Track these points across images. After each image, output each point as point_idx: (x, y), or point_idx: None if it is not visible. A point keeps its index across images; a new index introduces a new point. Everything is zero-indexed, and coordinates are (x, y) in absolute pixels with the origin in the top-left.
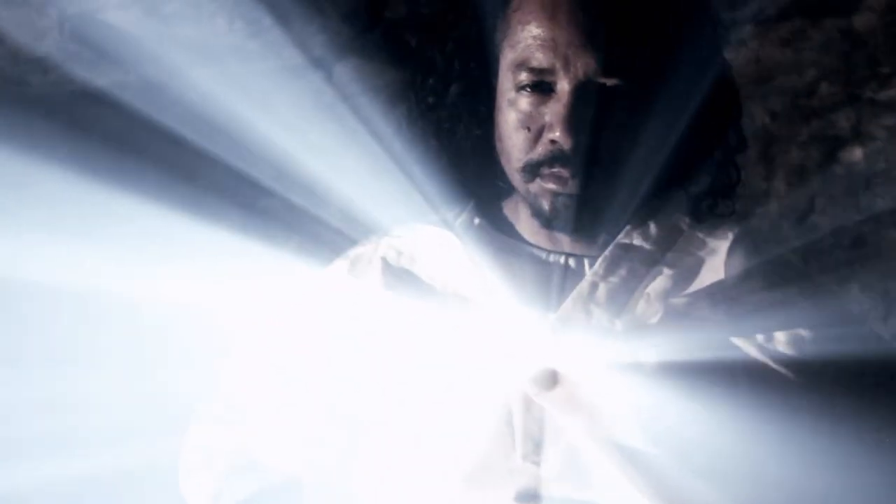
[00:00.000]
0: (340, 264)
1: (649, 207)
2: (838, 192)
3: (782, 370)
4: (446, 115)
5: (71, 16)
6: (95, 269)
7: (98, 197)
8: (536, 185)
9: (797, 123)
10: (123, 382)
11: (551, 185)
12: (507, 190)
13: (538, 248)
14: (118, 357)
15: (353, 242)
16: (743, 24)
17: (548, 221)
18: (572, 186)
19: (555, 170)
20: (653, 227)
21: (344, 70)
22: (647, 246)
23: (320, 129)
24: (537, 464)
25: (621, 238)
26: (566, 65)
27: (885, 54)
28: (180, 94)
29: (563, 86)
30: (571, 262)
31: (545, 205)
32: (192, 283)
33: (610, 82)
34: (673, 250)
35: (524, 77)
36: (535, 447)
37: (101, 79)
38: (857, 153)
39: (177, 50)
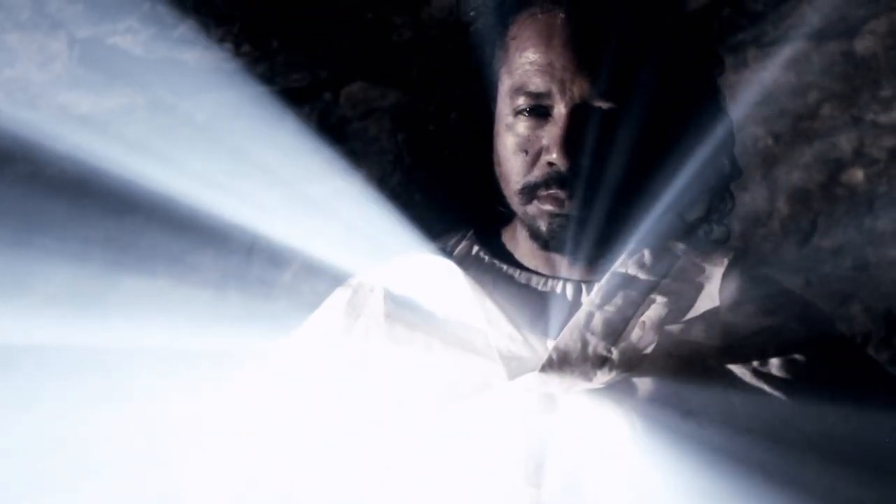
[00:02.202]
0: (343, 293)
1: (645, 234)
2: (840, 213)
3: (777, 394)
4: (447, 141)
5: (80, 40)
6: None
7: (108, 222)
8: (534, 207)
9: (799, 146)
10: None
11: (548, 207)
12: (507, 215)
13: (536, 273)
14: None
15: (353, 267)
16: (746, 47)
17: (545, 243)
18: (569, 207)
19: (552, 191)
20: (648, 256)
21: (350, 92)
22: (641, 275)
23: (324, 152)
24: (538, 486)
25: (617, 267)
26: (562, 89)
27: (887, 77)
28: (188, 117)
29: (560, 109)
30: (569, 288)
31: (542, 226)
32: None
33: (605, 106)
34: (668, 277)
35: (522, 101)
36: (537, 470)
37: (109, 102)
38: (859, 175)
39: (186, 73)
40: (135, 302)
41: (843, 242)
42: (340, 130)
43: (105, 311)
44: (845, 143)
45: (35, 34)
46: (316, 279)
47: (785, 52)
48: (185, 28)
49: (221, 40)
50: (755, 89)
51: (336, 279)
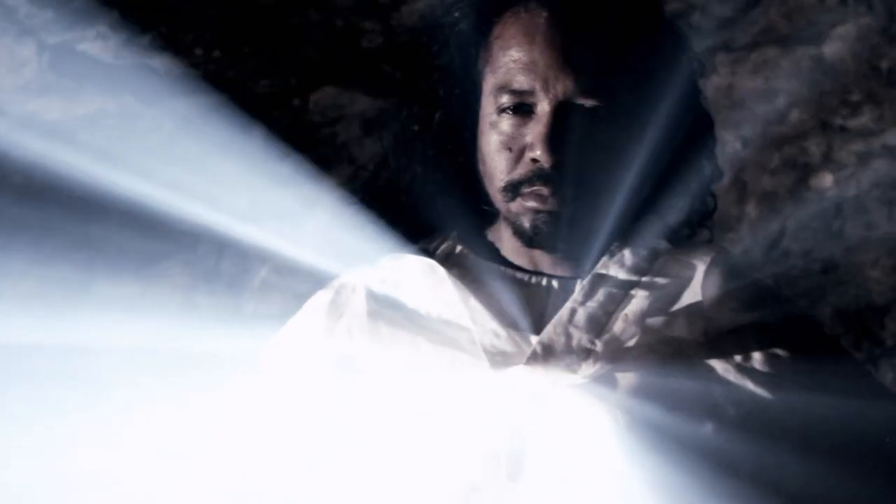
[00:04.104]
0: (325, 294)
1: (627, 235)
2: (809, 217)
3: (760, 390)
4: (431, 142)
5: (50, 46)
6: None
7: (76, 228)
8: (518, 204)
9: (768, 150)
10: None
11: (532, 203)
12: (491, 215)
13: (521, 270)
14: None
15: (325, 273)
16: (715, 53)
17: (529, 240)
18: (552, 204)
19: (535, 188)
20: (629, 256)
21: (320, 98)
22: (622, 275)
23: (294, 158)
24: (519, 482)
25: (599, 269)
26: (546, 86)
27: (855, 82)
28: (158, 123)
29: (544, 107)
30: (553, 284)
31: (526, 223)
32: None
33: (588, 103)
34: (650, 273)
35: (505, 99)
36: (518, 465)
37: (79, 108)
38: (827, 179)
39: (155, 80)
40: (104, 307)
41: (812, 246)
42: (310, 136)
43: (74, 316)
44: (814, 147)
45: (4, 40)
46: (285, 285)
47: (754, 58)
48: (156, 34)
49: (191, 46)
50: (724, 94)
51: (307, 285)
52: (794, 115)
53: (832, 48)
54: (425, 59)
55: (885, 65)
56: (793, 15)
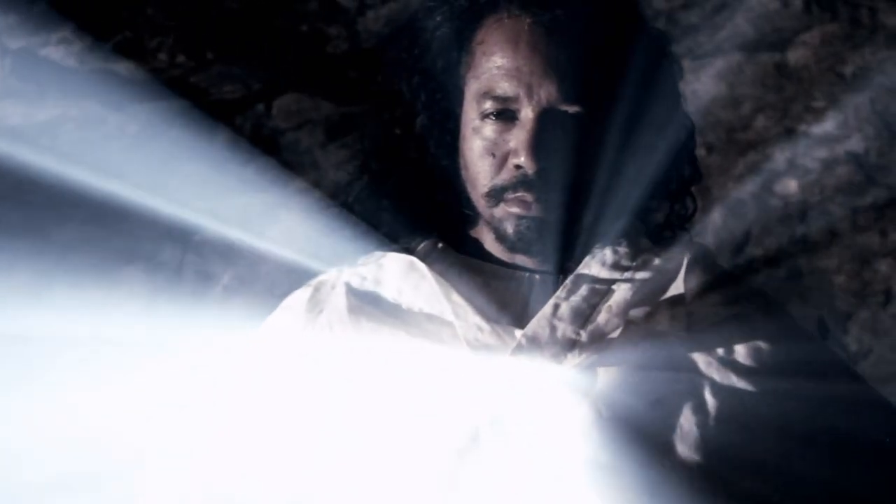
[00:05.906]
0: (303, 292)
1: (609, 237)
2: (774, 223)
3: (744, 383)
4: (413, 146)
5: (13, 51)
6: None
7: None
8: (501, 210)
9: (733, 156)
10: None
11: (515, 210)
12: (473, 219)
13: (503, 265)
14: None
15: (297, 275)
16: (679, 59)
17: (512, 245)
18: (536, 210)
19: (518, 194)
20: (611, 255)
21: (283, 104)
22: (604, 274)
23: (257, 164)
24: (504, 479)
25: (581, 269)
26: (529, 93)
27: (819, 88)
28: (121, 128)
29: (527, 113)
30: (537, 277)
31: (509, 229)
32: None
33: (572, 110)
34: (632, 269)
35: (489, 105)
36: (501, 458)
37: (41, 114)
38: (792, 185)
39: (119, 85)
40: (63, 314)
41: (776, 252)
42: (273, 142)
43: (32, 323)
44: (778, 153)
45: None
46: (248, 290)
47: (718, 64)
48: (120, 39)
49: (155, 51)
50: (689, 101)
51: (276, 288)
52: (759, 122)
53: (796, 55)
54: (405, 62)
55: (848, 71)
56: (757, 21)
